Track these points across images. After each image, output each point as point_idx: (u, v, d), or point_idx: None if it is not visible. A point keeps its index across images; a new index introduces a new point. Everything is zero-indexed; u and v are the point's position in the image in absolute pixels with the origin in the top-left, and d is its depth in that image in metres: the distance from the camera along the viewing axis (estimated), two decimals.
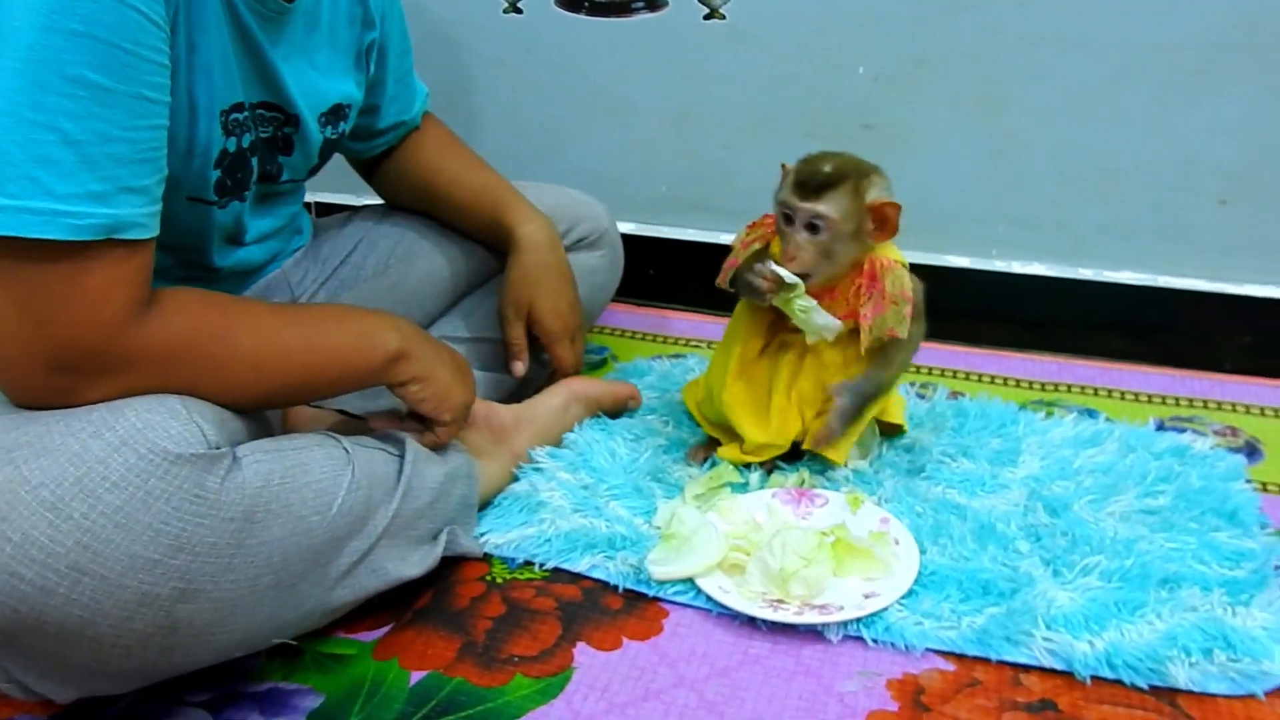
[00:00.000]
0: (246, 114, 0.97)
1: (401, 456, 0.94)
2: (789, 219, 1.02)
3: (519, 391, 1.27)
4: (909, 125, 1.47)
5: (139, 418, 0.73)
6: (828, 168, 1.00)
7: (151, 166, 0.77)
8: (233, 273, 1.08)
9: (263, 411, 0.91)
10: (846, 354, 1.08)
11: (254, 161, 1.01)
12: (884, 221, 1.02)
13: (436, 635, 0.93)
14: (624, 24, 1.56)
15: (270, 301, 1.13)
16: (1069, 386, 1.38)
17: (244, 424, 0.84)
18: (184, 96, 0.88)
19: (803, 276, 1.02)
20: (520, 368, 1.22)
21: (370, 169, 1.30)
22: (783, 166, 1.05)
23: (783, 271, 1.01)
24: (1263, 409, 1.31)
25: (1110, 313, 1.46)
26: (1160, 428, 1.24)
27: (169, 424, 0.74)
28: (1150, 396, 1.35)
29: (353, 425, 1.04)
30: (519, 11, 1.60)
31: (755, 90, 1.53)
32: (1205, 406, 1.32)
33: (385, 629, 0.94)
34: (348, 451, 0.89)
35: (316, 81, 1.06)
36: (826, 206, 1.00)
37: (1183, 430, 1.23)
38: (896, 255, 1.06)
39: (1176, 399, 1.34)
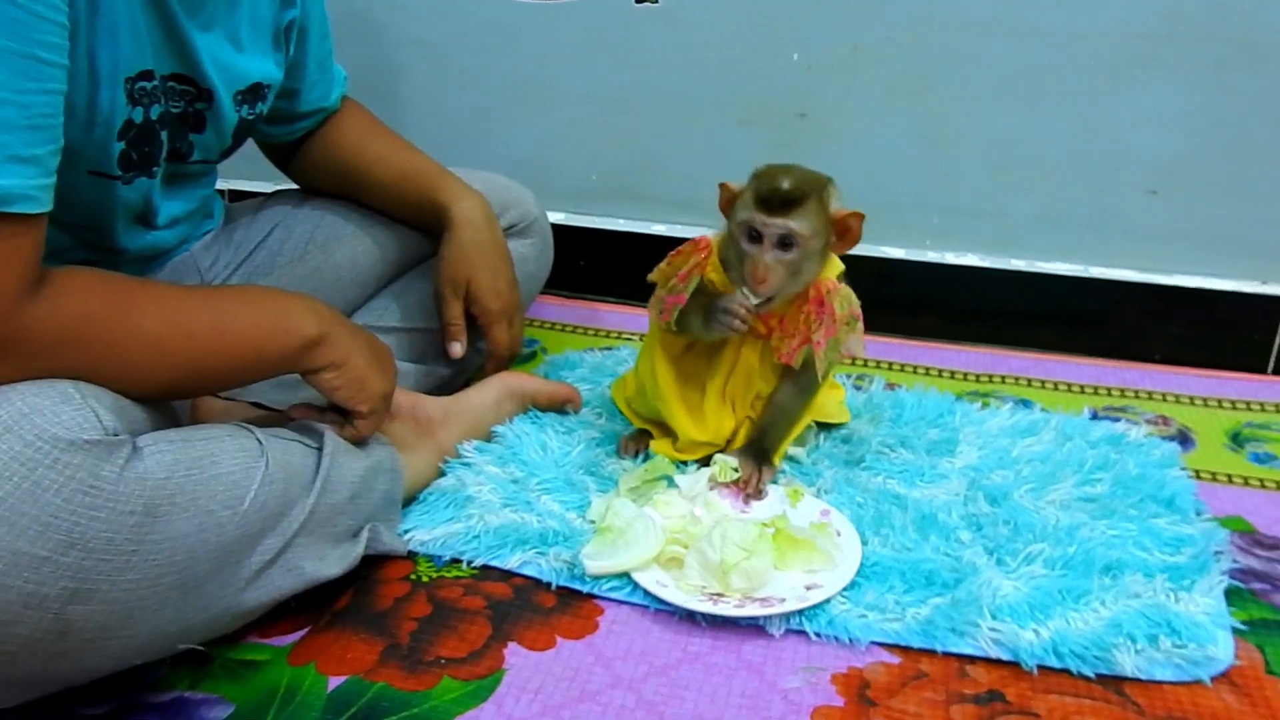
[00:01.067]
0: (156, 84, 0.92)
1: (320, 449, 0.89)
2: (755, 238, 0.98)
3: (450, 386, 1.22)
4: (843, 113, 1.45)
5: (25, 402, 0.67)
6: (787, 183, 0.96)
7: (44, 135, 0.71)
8: (139, 256, 1.02)
9: (168, 402, 0.85)
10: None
11: (163, 136, 0.95)
12: (847, 232, 0.99)
13: (357, 638, 0.88)
14: (555, 6, 1.52)
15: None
16: (1003, 378, 1.37)
17: (147, 413, 0.79)
18: (84, 60, 0.82)
19: (769, 300, 0.99)
20: (459, 349, 1.17)
21: (286, 155, 1.24)
22: (721, 186, 1.01)
23: (731, 460, 1.03)
24: (1192, 398, 1.32)
25: (1043, 304, 1.46)
26: (1094, 417, 1.23)
27: (60, 409, 0.68)
28: (1083, 387, 1.35)
29: (268, 418, 0.98)
30: None
31: (688, 76, 1.50)
32: (1137, 396, 1.32)
33: (301, 632, 0.88)
34: (261, 443, 0.83)
35: (234, 58, 1.01)
36: (799, 223, 0.96)
37: (1116, 420, 1.23)
38: (837, 265, 1.04)
39: (1109, 389, 1.34)
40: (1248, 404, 1.30)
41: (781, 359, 1.03)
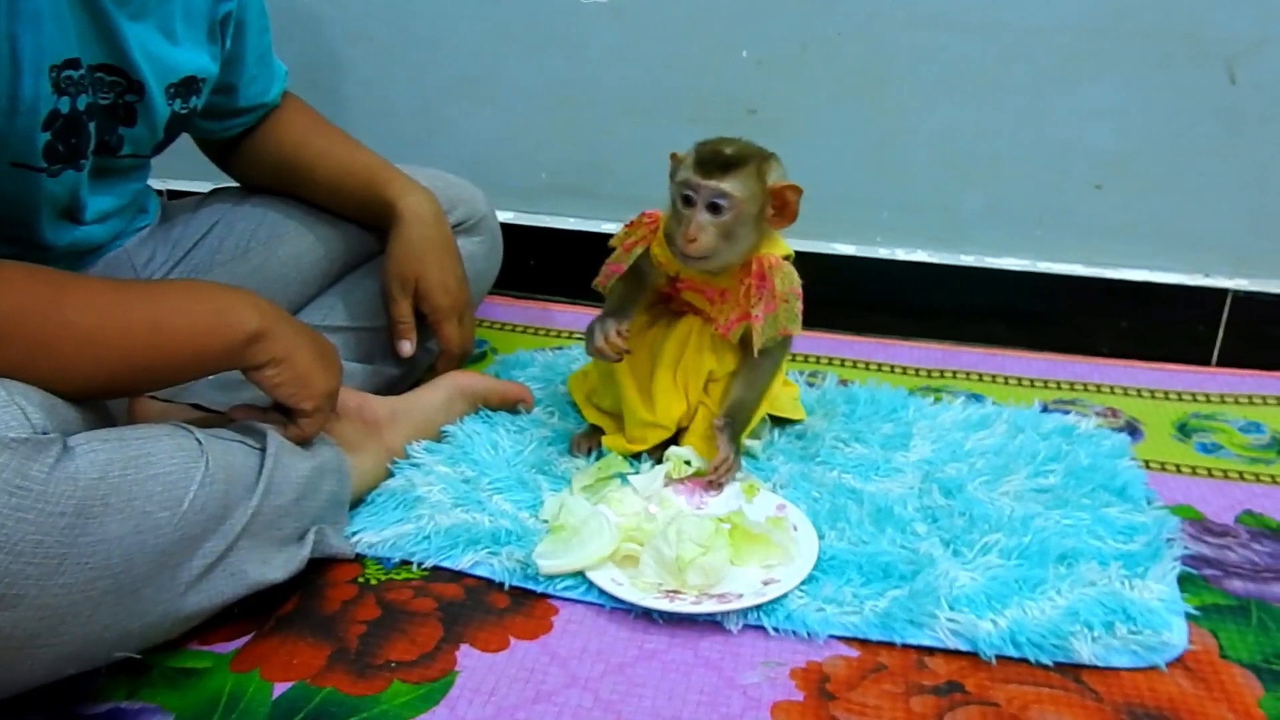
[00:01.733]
0: (82, 74, 0.88)
1: (263, 450, 0.86)
2: (689, 200, 0.98)
3: (399, 386, 1.20)
4: (793, 110, 1.45)
5: None
6: (729, 150, 0.98)
7: None
8: (67, 252, 0.98)
9: (103, 401, 0.82)
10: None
11: (91, 128, 0.92)
12: (784, 206, 1.00)
13: (303, 643, 0.85)
14: (502, 1, 1.50)
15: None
16: (954, 372, 1.38)
17: (80, 413, 0.76)
18: (4, 45, 0.80)
19: (702, 259, 0.98)
20: (408, 347, 1.15)
21: (225, 152, 1.21)
22: (672, 156, 1.02)
23: (684, 452, 1.04)
24: (1139, 390, 1.33)
25: (992, 299, 1.47)
26: (1045, 410, 1.24)
27: None
28: (1033, 381, 1.36)
29: (208, 419, 0.95)
30: None
31: (638, 73, 1.49)
32: (1086, 390, 1.33)
33: (245, 638, 0.86)
34: (201, 443, 0.80)
35: (167, 50, 0.98)
36: (731, 184, 0.96)
37: (1066, 412, 1.23)
38: (784, 248, 1.04)
39: (1058, 383, 1.35)
40: (1194, 395, 1.31)
41: (720, 331, 1.04)
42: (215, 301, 0.83)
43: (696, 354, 1.06)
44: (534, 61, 1.52)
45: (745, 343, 1.03)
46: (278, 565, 0.85)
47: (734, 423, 1.05)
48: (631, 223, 1.06)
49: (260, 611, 0.87)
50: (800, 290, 1.02)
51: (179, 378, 0.84)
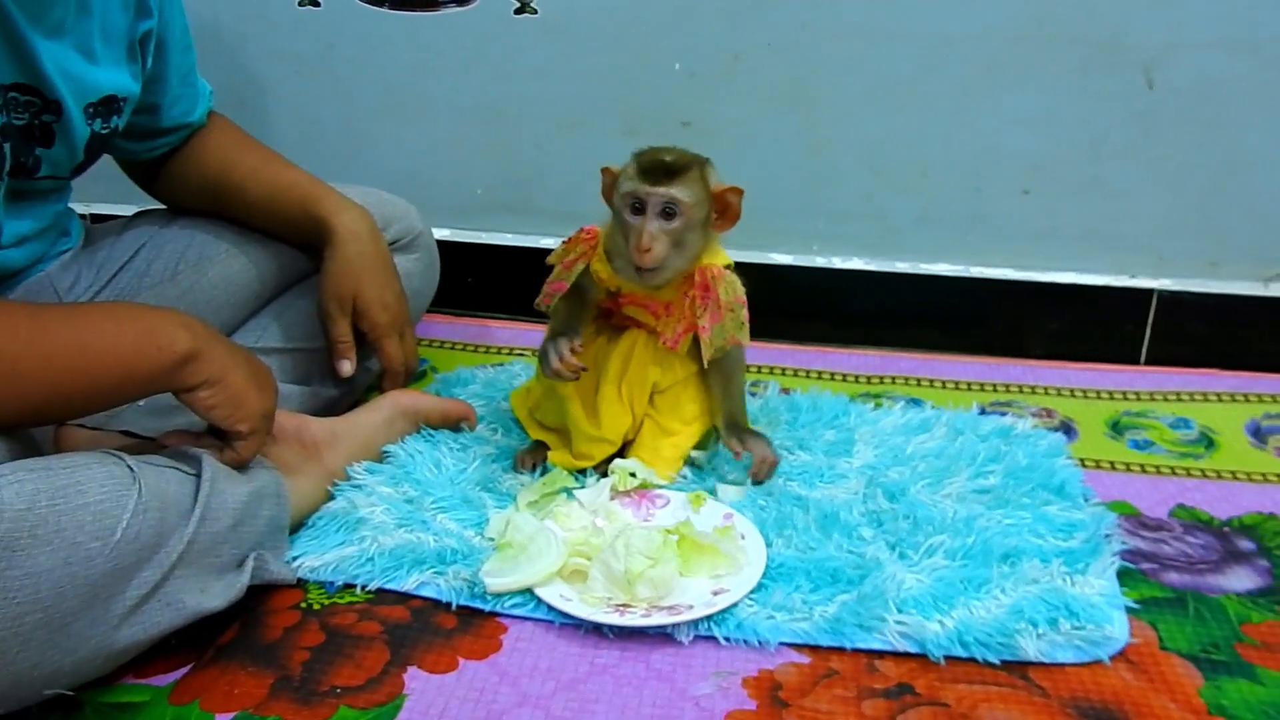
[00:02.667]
0: None
1: (198, 475, 0.84)
2: (638, 209, 0.98)
3: (338, 407, 1.18)
4: (726, 122, 1.46)
5: None
6: (669, 157, 0.98)
7: None
8: None
9: (27, 430, 0.79)
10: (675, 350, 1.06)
11: (6, 149, 0.89)
12: (727, 208, 1.01)
13: (244, 672, 0.83)
14: (430, 18, 1.49)
15: None
16: (893, 378, 1.39)
17: (3, 442, 0.73)
18: None
19: (653, 271, 0.98)
20: (348, 367, 1.13)
21: (150, 173, 1.19)
22: (604, 171, 1.02)
23: (629, 465, 1.04)
24: (1072, 390, 1.36)
25: (927, 304, 1.49)
26: (982, 413, 1.26)
27: None
28: (969, 384, 1.38)
29: (140, 446, 0.92)
30: (316, 4, 1.50)
31: (570, 87, 1.49)
32: (1020, 391, 1.36)
33: (183, 670, 0.83)
34: (133, 470, 0.78)
35: (85, 69, 0.96)
36: (680, 190, 0.97)
37: (1003, 414, 1.25)
38: (724, 257, 1.04)
39: (994, 385, 1.37)
40: (1124, 394, 1.34)
41: (667, 345, 1.04)
42: (143, 322, 0.81)
43: (640, 367, 1.06)
44: (464, 77, 1.51)
45: (695, 352, 1.04)
46: (216, 593, 0.83)
47: (739, 427, 1.07)
48: (570, 239, 1.06)
49: (199, 642, 0.84)
50: (744, 298, 1.03)
51: (108, 403, 0.81)
